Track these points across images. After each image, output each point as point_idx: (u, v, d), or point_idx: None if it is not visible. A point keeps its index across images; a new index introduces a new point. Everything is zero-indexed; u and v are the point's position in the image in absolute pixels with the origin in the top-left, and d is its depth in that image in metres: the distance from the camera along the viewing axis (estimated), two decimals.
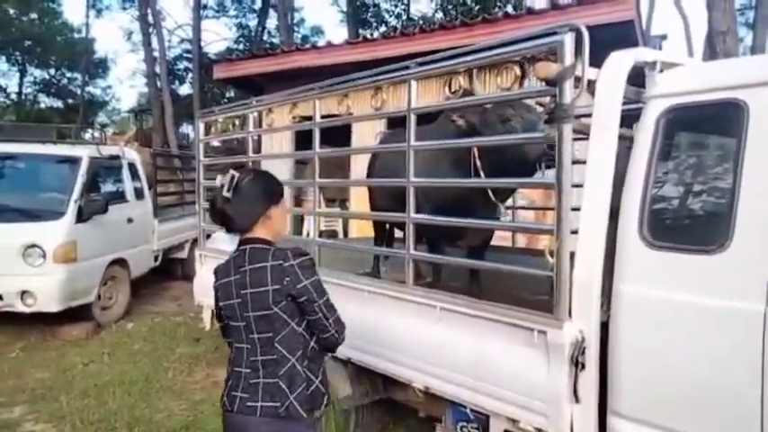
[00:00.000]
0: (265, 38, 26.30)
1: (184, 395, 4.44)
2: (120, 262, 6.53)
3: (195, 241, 8.82)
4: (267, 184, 2.07)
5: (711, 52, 7.99)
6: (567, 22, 2.01)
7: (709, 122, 1.98)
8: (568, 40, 1.99)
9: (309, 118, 3.50)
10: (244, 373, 2.00)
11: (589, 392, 2.03)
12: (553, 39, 2.02)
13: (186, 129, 28.83)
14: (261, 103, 3.70)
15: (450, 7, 13.49)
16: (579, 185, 2.11)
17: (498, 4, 15.07)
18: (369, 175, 4.05)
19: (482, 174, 2.74)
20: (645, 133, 2.01)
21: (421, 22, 13.23)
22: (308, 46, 8.06)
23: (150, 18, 19.44)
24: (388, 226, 4.23)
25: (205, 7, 26.71)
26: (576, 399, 2.04)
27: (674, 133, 2.00)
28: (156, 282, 8.11)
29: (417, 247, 2.77)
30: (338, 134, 3.19)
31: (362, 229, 7.44)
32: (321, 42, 8.52)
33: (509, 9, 14.12)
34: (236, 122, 4.25)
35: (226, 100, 26.69)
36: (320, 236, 8.64)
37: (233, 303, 2.02)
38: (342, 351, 2.93)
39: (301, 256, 1.99)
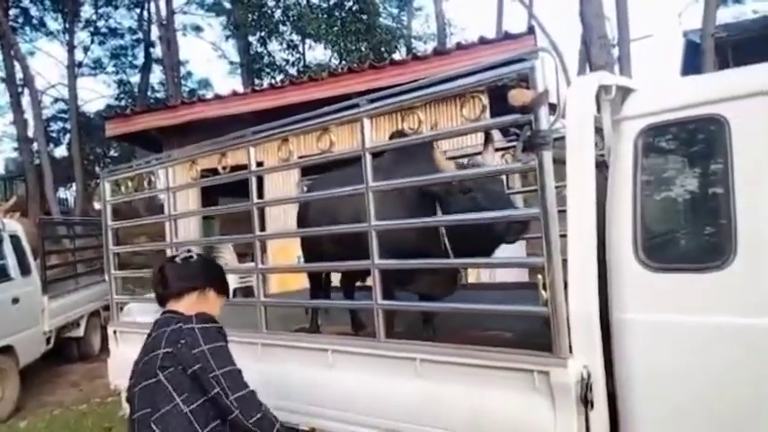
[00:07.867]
0: (149, 93, 25.21)
1: None
2: (6, 350, 5.65)
3: (92, 315, 8.03)
4: (218, 270, 2.07)
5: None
6: (538, 47, 1.96)
7: (691, 140, 1.99)
8: (539, 65, 1.93)
9: (214, 171, 3.21)
10: None
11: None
12: (524, 65, 1.97)
13: (64, 194, 26.47)
14: (185, 156, 3.34)
15: (344, 54, 13.68)
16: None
17: (387, 49, 15.54)
18: (302, 225, 3.81)
19: (448, 246, 2.58)
20: (623, 155, 1.98)
21: (316, 69, 13.27)
22: (209, 96, 7.69)
23: (19, 78, 17.83)
24: (324, 275, 4.01)
25: (80, 65, 25.21)
26: None
27: (654, 153, 1.99)
28: (50, 367, 7.12)
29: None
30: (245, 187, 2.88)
31: (285, 282, 7.03)
32: (210, 95, 8.21)
33: (400, 54, 14.67)
34: (145, 181, 3.85)
35: (109, 160, 25.00)
36: (234, 295, 8.27)
37: (131, 383, 1.75)
38: (307, 422, 2.64)
39: (208, 321, 1.78)
